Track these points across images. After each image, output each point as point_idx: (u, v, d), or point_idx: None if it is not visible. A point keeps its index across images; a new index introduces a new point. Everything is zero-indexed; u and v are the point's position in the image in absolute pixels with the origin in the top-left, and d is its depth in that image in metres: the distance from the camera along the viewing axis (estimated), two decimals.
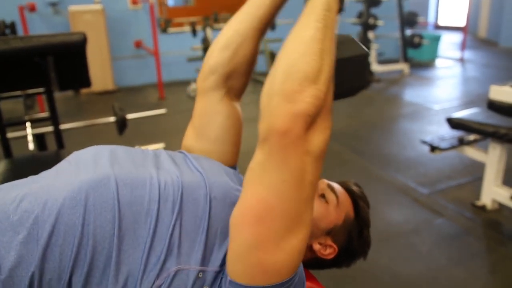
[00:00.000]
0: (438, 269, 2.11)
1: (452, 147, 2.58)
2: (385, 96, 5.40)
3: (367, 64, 0.95)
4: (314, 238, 0.96)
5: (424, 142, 2.68)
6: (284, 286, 0.69)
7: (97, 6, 5.36)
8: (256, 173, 0.68)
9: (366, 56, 0.93)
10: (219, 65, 1.02)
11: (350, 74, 0.90)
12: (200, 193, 0.78)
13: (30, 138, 2.09)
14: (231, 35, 1.03)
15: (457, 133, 2.69)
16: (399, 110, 4.85)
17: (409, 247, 2.30)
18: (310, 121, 0.65)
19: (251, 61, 1.02)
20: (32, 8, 5.30)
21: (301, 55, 0.67)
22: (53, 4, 5.46)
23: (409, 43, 6.28)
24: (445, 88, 5.74)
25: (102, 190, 0.74)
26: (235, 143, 1.03)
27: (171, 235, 0.73)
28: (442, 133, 2.86)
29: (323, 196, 0.98)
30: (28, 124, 2.13)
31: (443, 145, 2.56)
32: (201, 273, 0.73)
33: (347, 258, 1.03)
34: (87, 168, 0.80)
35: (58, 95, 5.48)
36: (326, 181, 1.03)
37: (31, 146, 2.06)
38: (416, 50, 6.71)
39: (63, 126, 2.37)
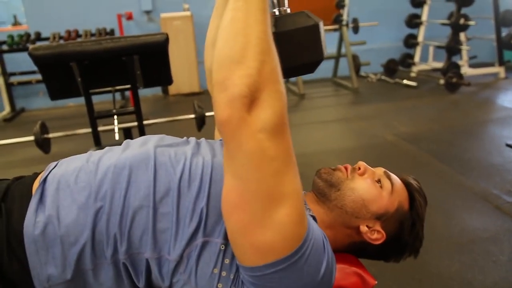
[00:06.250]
0: None
1: None
2: (475, 100, 5.07)
3: (318, 36, 0.88)
4: (361, 219, 0.95)
5: (509, 146, 2.50)
6: (289, 261, 0.71)
7: (186, 13, 5.70)
8: (224, 164, 0.73)
9: (316, 27, 0.87)
10: None
11: (300, 47, 0.87)
12: None
13: (116, 129, 2.32)
14: (214, 33, 1.08)
15: None
16: (489, 115, 4.53)
17: (485, 255, 2.16)
18: (248, 101, 0.66)
19: None
20: (130, 17, 5.79)
21: (225, 41, 0.68)
22: (147, 12, 5.94)
23: (505, 45, 5.83)
24: None
25: (142, 167, 0.84)
26: None
27: (199, 208, 0.80)
28: None
29: (378, 181, 0.98)
30: (115, 117, 2.36)
31: None
32: (223, 245, 0.79)
33: (396, 249, 1.01)
34: (134, 147, 0.92)
35: (149, 95, 5.93)
36: (383, 169, 1.03)
37: (117, 136, 2.28)
38: None
39: (147, 121, 2.59)
